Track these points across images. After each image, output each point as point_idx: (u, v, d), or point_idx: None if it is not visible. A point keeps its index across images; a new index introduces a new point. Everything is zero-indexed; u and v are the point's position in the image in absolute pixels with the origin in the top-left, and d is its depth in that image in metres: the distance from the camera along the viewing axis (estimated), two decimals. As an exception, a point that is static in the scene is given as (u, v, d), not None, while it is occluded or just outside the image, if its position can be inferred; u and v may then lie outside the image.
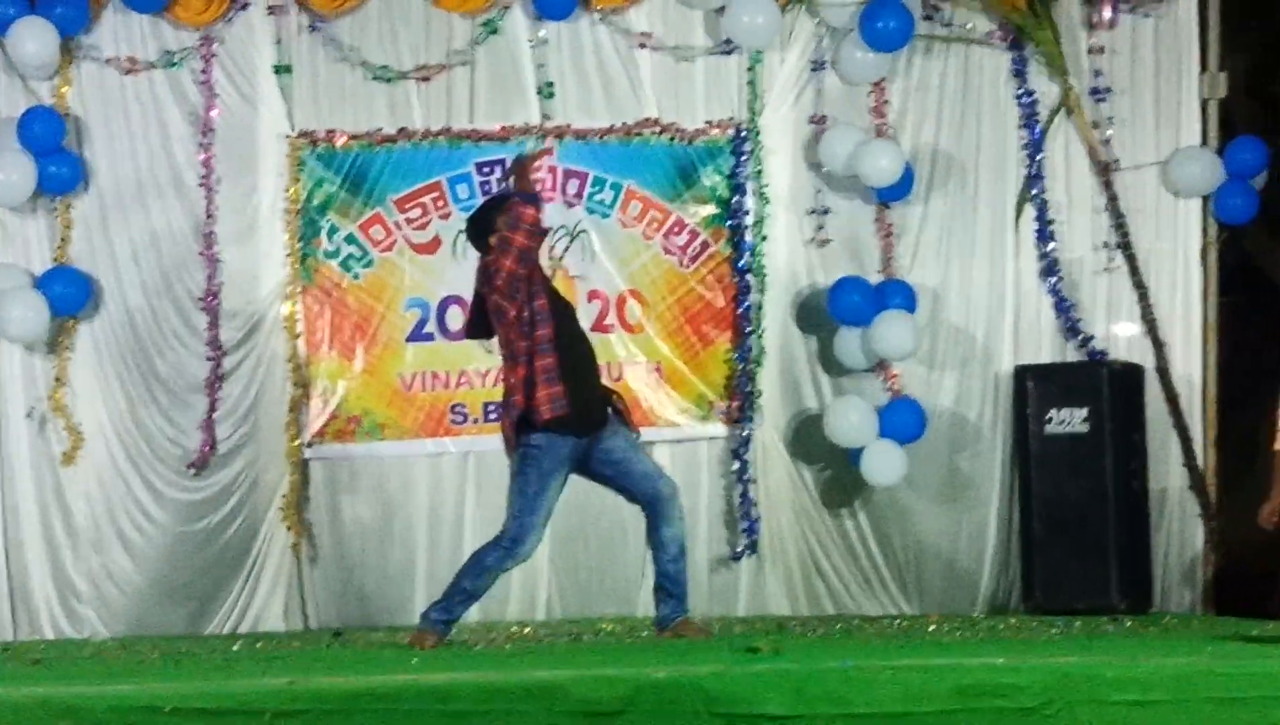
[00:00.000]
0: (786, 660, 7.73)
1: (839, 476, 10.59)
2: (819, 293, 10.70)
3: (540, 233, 8.10)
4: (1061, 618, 9.67)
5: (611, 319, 10.67)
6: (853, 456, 10.49)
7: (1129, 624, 9.55)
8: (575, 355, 8.22)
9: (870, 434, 10.46)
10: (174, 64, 10.61)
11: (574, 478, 9.98)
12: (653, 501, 8.32)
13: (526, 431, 8.10)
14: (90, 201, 10.55)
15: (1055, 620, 9.58)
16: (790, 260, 10.77)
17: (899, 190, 10.67)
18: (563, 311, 8.25)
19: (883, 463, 10.45)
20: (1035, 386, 10.40)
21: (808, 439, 10.66)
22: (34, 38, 10.28)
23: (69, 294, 10.36)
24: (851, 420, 10.47)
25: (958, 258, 10.78)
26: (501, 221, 7.97)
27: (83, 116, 10.58)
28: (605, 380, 10.31)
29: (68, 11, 10.40)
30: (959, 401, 10.73)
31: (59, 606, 10.44)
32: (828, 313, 10.62)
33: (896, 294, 10.56)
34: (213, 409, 10.49)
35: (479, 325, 8.32)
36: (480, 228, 8.19)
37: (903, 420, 10.52)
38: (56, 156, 10.37)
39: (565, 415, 8.08)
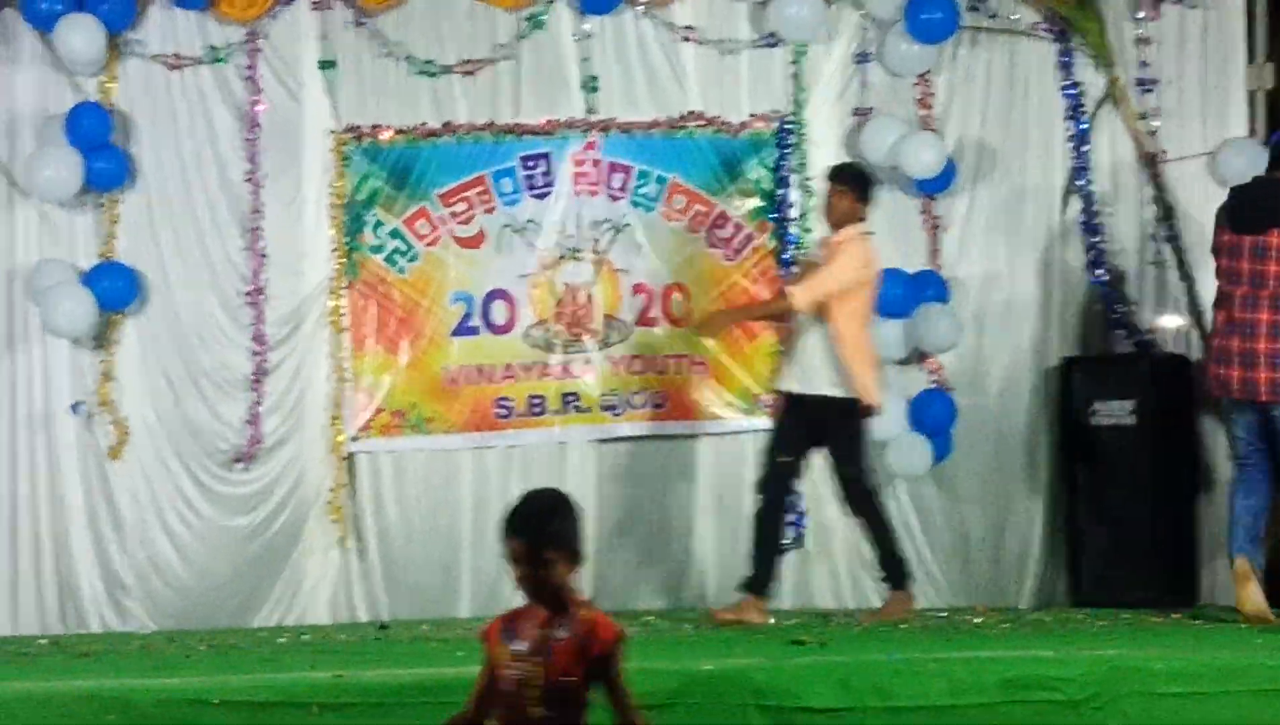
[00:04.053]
0: (833, 653, 7.74)
1: (884, 468, 10.54)
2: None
3: None
4: (1108, 610, 9.64)
5: (656, 312, 10.66)
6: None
7: (1176, 617, 9.51)
8: None
9: (902, 427, 10.44)
10: (219, 60, 10.62)
11: (614, 468, 10.16)
12: None
13: None
14: (137, 197, 10.57)
15: (1102, 613, 9.56)
16: (835, 253, 10.75)
17: (940, 182, 10.64)
18: None
19: (909, 454, 10.42)
20: (1082, 378, 10.37)
21: (853, 432, 10.63)
22: (81, 34, 10.30)
23: (116, 289, 10.38)
24: (885, 416, 10.44)
25: (1004, 249, 10.75)
26: None
27: (129, 112, 10.59)
28: (652, 373, 10.43)
29: (114, 8, 10.41)
30: (1005, 393, 10.69)
31: (106, 600, 10.46)
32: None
33: (929, 285, 10.54)
34: (258, 403, 10.51)
35: None
36: None
37: (931, 412, 10.48)
38: (104, 152, 10.38)
39: None
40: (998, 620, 9.55)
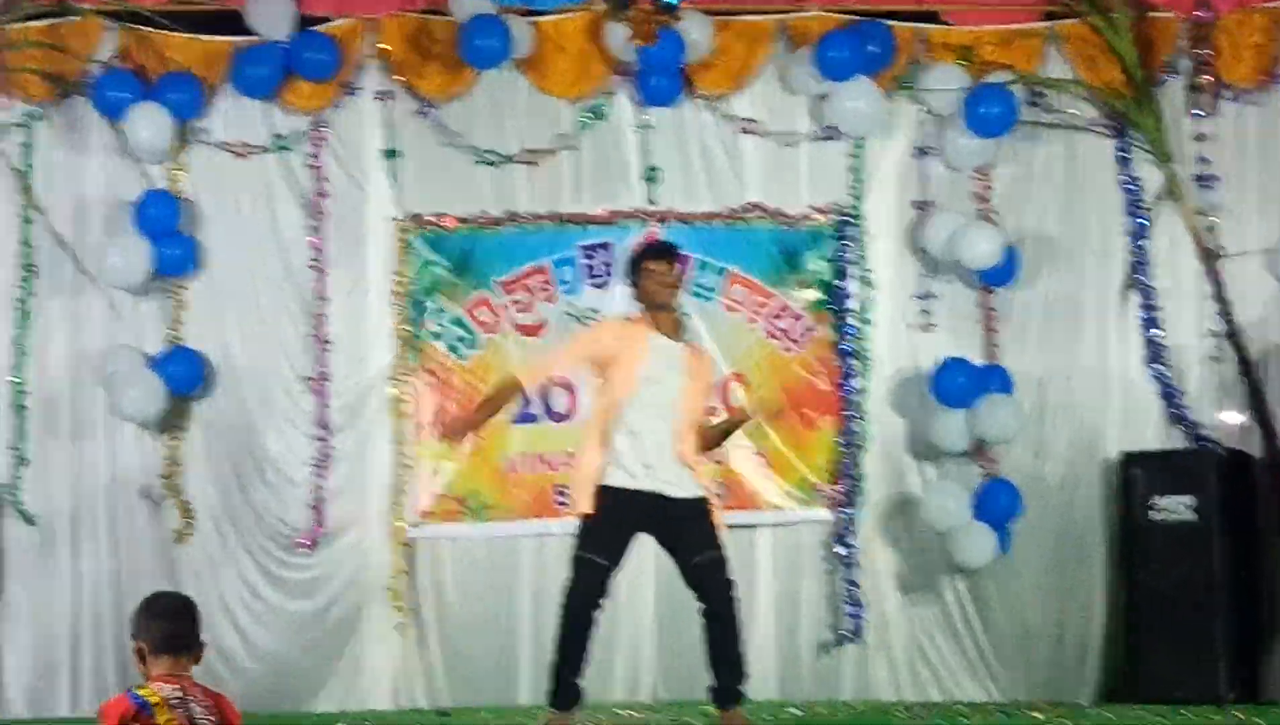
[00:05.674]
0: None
1: (944, 561, 10.56)
2: (920, 376, 10.71)
3: None
4: (1169, 706, 9.62)
5: (715, 402, 10.70)
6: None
7: (1238, 715, 9.49)
8: None
9: (966, 517, 10.46)
10: (285, 148, 10.75)
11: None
12: None
13: None
14: (203, 284, 10.69)
15: (1162, 709, 9.54)
16: (893, 344, 10.80)
17: (1002, 274, 10.70)
18: None
19: (974, 543, 10.43)
20: (1141, 473, 10.35)
21: (912, 522, 10.65)
22: (149, 123, 10.44)
23: (184, 374, 10.48)
24: (949, 506, 10.47)
25: (1063, 343, 10.78)
26: None
27: (196, 199, 10.72)
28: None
29: (182, 97, 10.56)
30: (1064, 487, 10.70)
31: (170, 684, 10.51)
32: (926, 396, 10.64)
33: (993, 378, 10.58)
34: (321, 488, 10.58)
35: None
36: None
37: (996, 503, 10.50)
38: (172, 239, 10.51)
39: None
40: (1058, 715, 9.54)
